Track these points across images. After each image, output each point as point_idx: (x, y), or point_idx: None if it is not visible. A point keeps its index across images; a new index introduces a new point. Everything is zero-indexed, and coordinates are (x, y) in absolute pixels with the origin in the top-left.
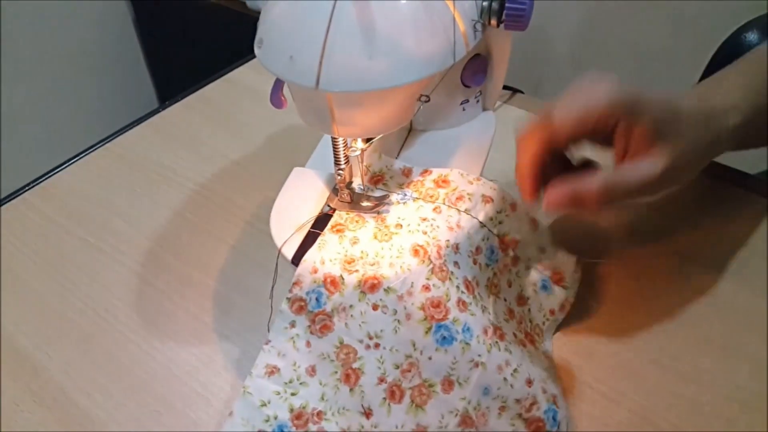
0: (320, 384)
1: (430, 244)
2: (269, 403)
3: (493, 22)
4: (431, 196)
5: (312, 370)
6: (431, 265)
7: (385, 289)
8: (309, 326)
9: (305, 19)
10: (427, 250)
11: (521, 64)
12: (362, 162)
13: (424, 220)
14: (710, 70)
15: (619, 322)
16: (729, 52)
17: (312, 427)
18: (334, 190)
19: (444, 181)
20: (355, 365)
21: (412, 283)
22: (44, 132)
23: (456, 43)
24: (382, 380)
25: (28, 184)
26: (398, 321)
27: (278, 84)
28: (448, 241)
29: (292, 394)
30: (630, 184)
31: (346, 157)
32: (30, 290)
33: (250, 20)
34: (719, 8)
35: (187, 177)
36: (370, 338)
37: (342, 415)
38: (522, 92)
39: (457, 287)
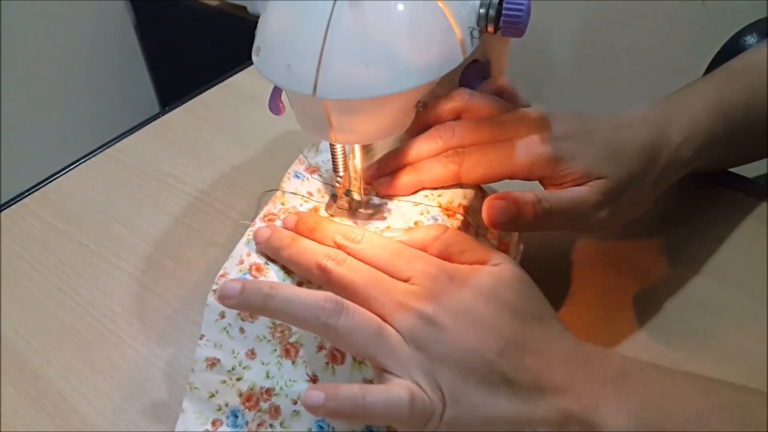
0: (262, 364)
1: (359, 223)
2: (217, 393)
3: (490, 28)
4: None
5: (252, 353)
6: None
7: None
8: (238, 313)
9: (302, 28)
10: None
11: (520, 69)
12: (361, 170)
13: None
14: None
15: (615, 326)
16: (728, 55)
17: (264, 405)
18: (333, 197)
19: None
20: (291, 340)
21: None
22: (44, 137)
23: (453, 50)
24: (320, 348)
25: (28, 190)
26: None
27: (276, 91)
28: (377, 227)
29: (238, 380)
30: (561, 204)
31: (345, 164)
32: (29, 295)
33: (251, 26)
34: (719, 12)
35: (187, 182)
36: None
37: (290, 387)
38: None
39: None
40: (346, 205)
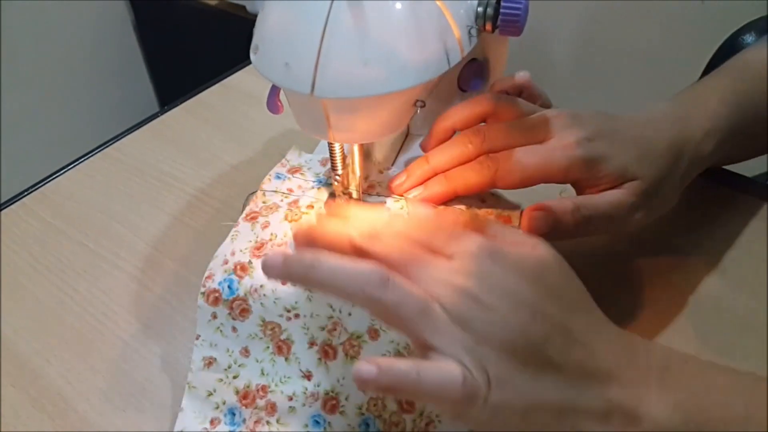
0: (257, 361)
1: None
2: (215, 391)
3: (488, 27)
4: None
5: (245, 351)
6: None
7: None
8: (229, 313)
9: (300, 26)
10: None
11: (519, 68)
12: (361, 169)
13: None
14: (708, 72)
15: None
16: (727, 54)
17: (260, 402)
18: (331, 196)
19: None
20: (282, 337)
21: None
22: (43, 137)
23: (451, 48)
24: (312, 344)
25: (27, 189)
26: (309, 289)
27: (274, 90)
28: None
29: (234, 377)
30: (599, 208)
31: (344, 162)
32: (29, 295)
33: (250, 24)
34: (717, 11)
35: (186, 181)
36: (288, 311)
37: (285, 384)
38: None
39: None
40: (345, 204)
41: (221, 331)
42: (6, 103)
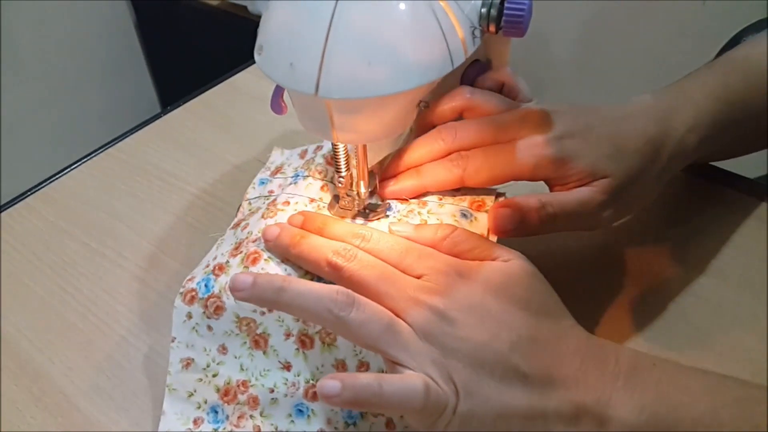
0: (235, 357)
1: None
2: (195, 391)
3: (492, 28)
4: (320, 172)
5: (223, 349)
6: (235, 228)
7: (265, 259)
8: (204, 312)
9: (305, 27)
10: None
11: (522, 69)
12: (365, 171)
13: (312, 200)
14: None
15: (616, 325)
16: None
17: (241, 397)
18: (335, 198)
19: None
20: (259, 331)
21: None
22: (46, 137)
23: (455, 49)
24: (288, 335)
25: (30, 189)
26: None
27: (278, 90)
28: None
29: (214, 376)
30: (566, 206)
31: (347, 164)
32: (32, 294)
33: (252, 25)
34: (719, 12)
35: (189, 181)
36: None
37: (265, 377)
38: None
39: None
40: (349, 205)
41: (197, 330)
42: (9, 103)
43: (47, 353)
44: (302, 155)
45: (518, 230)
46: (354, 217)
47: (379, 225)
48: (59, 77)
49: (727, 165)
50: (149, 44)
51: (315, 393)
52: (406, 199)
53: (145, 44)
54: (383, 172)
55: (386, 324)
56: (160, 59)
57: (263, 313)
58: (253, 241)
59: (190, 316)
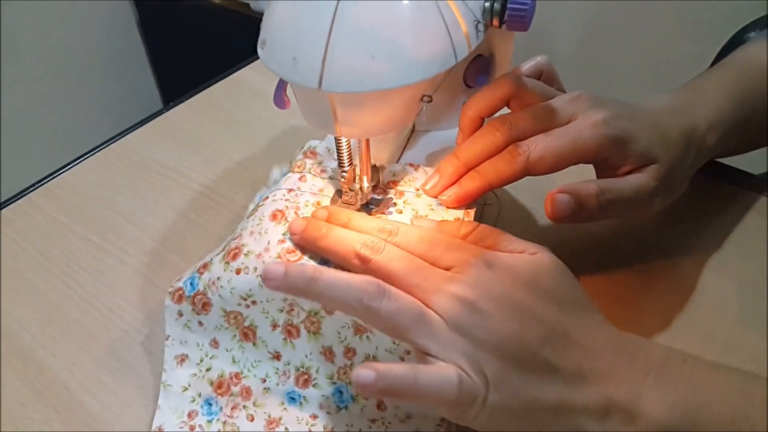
0: (227, 350)
1: (289, 208)
2: (190, 386)
3: (495, 22)
4: (298, 166)
5: (215, 342)
6: (287, 224)
7: (245, 254)
8: (192, 309)
9: (308, 21)
10: (285, 213)
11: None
12: (367, 164)
13: (290, 191)
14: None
15: (617, 321)
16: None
17: (234, 389)
18: (338, 192)
19: (312, 153)
20: (246, 324)
21: (269, 241)
22: (49, 133)
23: (458, 43)
24: (275, 326)
25: (32, 185)
26: (260, 276)
27: (281, 85)
28: (307, 201)
29: (207, 370)
30: (623, 192)
31: (350, 158)
32: (35, 290)
33: (254, 22)
34: (722, 9)
35: (191, 177)
36: (244, 299)
37: (256, 368)
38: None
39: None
40: (352, 200)
41: (189, 327)
42: (13, 100)
43: (50, 348)
44: (294, 168)
45: (575, 216)
46: (357, 211)
47: (401, 219)
48: (62, 74)
49: (727, 160)
50: (151, 41)
51: (305, 380)
52: (384, 190)
53: (147, 41)
54: (440, 180)
55: (417, 314)
56: (162, 56)
57: (248, 306)
58: (234, 239)
59: (180, 314)
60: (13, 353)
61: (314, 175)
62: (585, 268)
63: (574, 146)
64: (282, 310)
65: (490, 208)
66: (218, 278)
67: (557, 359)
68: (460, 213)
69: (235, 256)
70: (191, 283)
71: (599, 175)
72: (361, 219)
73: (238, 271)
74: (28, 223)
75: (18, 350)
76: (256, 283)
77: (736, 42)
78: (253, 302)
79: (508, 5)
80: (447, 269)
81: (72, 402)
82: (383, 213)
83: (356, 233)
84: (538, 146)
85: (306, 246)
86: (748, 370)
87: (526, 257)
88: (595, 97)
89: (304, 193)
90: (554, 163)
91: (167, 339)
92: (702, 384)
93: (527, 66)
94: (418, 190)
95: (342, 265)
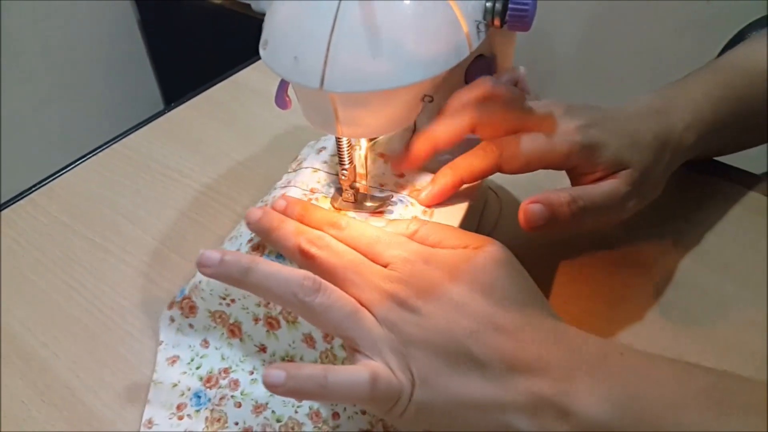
0: (216, 349)
1: (268, 204)
2: (179, 382)
3: (497, 22)
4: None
5: (205, 343)
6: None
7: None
8: (181, 313)
9: (309, 21)
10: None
11: (526, 65)
12: (366, 162)
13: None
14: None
15: (616, 320)
16: None
17: (223, 382)
18: (338, 191)
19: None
20: (231, 321)
21: (241, 243)
22: (50, 133)
23: (459, 43)
24: (256, 320)
25: (34, 185)
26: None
27: (283, 85)
28: (284, 195)
29: (197, 368)
30: (595, 199)
31: (351, 157)
32: (37, 289)
33: (255, 22)
34: (722, 9)
35: (193, 177)
36: (223, 299)
37: (244, 362)
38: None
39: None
40: (352, 198)
41: (181, 331)
42: (14, 100)
43: (52, 348)
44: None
45: (549, 226)
46: (357, 210)
47: (405, 215)
48: (64, 75)
49: (728, 159)
50: (153, 42)
51: None
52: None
53: (148, 42)
54: (404, 161)
55: (349, 311)
56: (163, 57)
57: (228, 305)
58: (229, 240)
59: (172, 319)
60: (15, 353)
61: (294, 169)
62: (582, 267)
63: (545, 151)
64: (260, 305)
65: (491, 207)
66: (199, 282)
67: (484, 355)
68: (455, 210)
69: None
70: (180, 291)
71: (573, 183)
72: (316, 211)
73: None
74: (29, 224)
75: (20, 350)
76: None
77: (736, 42)
78: (232, 300)
79: (509, 5)
80: (386, 265)
81: (74, 401)
82: (383, 210)
83: (305, 228)
84: (511, 145)
85: (259, 237)
86: (720, 366)
87: (466, 252)
88: (567, 105)
89: (279, 192)
90: (524, 164)
91: (160, 344)
92: (637, 376)
93: (508, 74)
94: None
95: (290, 258)
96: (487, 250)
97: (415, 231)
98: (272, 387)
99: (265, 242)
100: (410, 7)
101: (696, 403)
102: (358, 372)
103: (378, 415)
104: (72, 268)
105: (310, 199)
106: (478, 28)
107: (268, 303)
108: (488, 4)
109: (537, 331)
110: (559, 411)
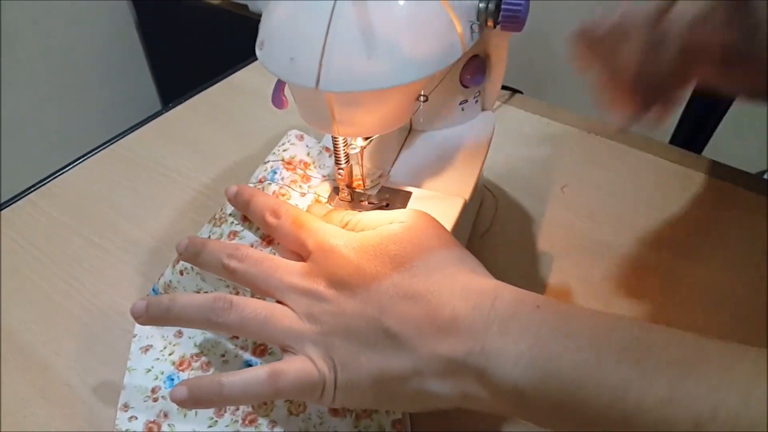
0: (189, 338)
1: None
2: (153, 368)
3: (490, 23)
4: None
5: (179, 333)
6: (213, 220)
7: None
8: None
9: (305, 21)
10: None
11: (521, 65)
12: (362, 161)
13: (261, 181)
14: None
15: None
16: None
17: (195, 364)
18: (335, 190)
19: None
20: None
21: (223, 233)
22: (49, 134)
23: (453, 44)
24: None
25: (33, 185)
26: (198, 273)
27: (279, 85)
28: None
29: (170, 354)
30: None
31: (347, 156)
32: (36, 289)
33: (252, 23)
34: None
35: (191, 177)
36: (197, 294)
37: (216, 347)
38: (521, 93)
39: (232, 222)
40: (348, 197)
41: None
42: (12, 101)
43: (52, 346)
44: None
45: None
46: (353, 209)
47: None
48: (61, 76)
49: (728, 160)
50: (150, 43)
51: (262, 350)
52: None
53: (146, 43)
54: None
55: (264, 318)
56: (160, 57)
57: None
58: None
59: None
60: (15, 352)
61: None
62: (582, 267)
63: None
64: (229, 292)
65: (487, 206)
66: (169, 281)
67: (397, 326)
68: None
69: (178, 260)
70: (153, 289)
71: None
72: (259, 197)
73: (181, 273)
74: (28, 224)
75: (20, 349)
76: (199, 279)
77: None
78: (205, 293)
79: (502, 6)
80: (309, 255)
81: (74, 399)
82: (380, 209)
83: (224, 245)
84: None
85: (191, 263)
86: (616, 313)
87: (380, 229)
88: None
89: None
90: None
91: (134, 337)
92: (553, 332)
93: None
94: (325, 177)
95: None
96: (402, 221)
97: (348, 221)
98: (180, 402)
99: (197, 267)
100: (404, 8)
101: (615, 360)
102: (254, 371)
103: (311, 403)
104: (71, 267)
105: (303, 176)
106: (471, 28)
107: (237, 293)
108: (481, 5)
109: (449, 291)
110: (476, 374)
